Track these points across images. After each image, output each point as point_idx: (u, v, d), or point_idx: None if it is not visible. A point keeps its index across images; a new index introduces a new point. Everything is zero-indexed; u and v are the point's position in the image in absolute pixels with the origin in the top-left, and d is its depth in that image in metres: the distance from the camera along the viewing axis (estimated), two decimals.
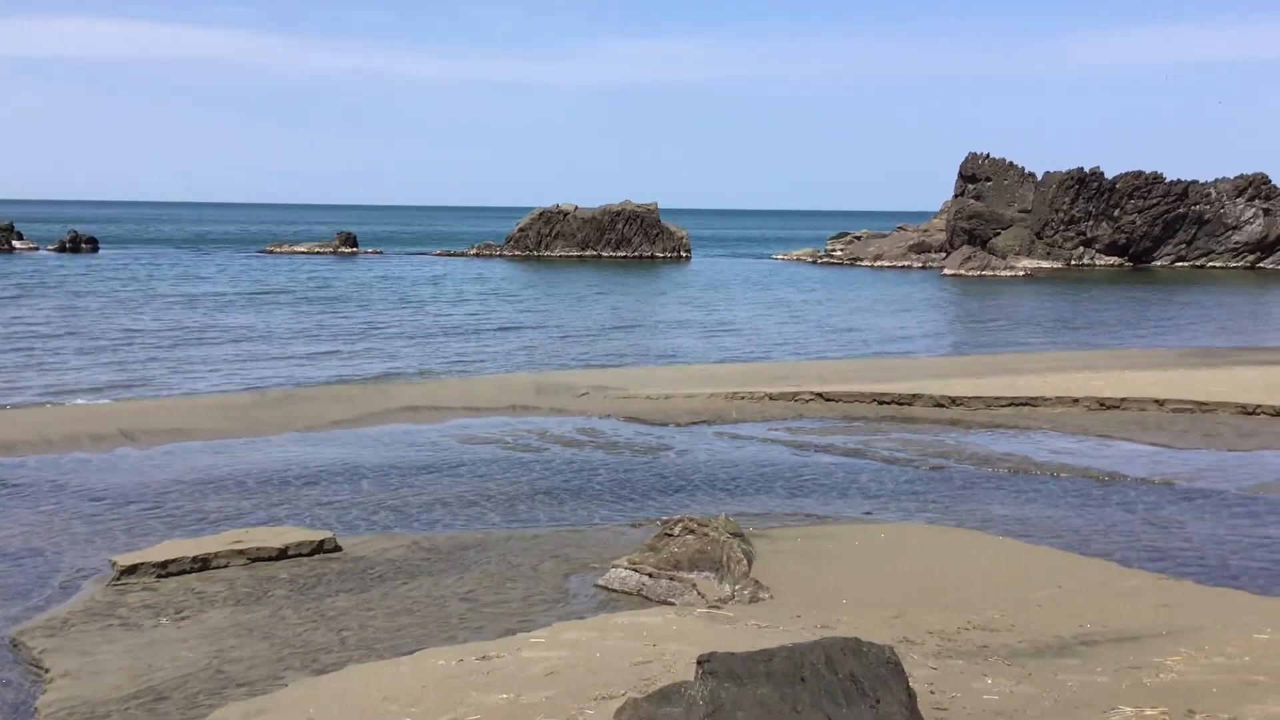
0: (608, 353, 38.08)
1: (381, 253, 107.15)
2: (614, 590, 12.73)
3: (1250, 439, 21.81)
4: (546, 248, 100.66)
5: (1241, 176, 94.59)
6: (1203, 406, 24.57)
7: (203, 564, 13.61)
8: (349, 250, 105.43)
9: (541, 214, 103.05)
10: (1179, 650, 10.03)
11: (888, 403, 25.78)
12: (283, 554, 14.01)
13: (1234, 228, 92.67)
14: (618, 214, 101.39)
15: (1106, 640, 10.38)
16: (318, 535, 14.49)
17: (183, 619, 11.99)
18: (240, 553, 13.85)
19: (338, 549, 14.35)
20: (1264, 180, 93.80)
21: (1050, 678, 9.33)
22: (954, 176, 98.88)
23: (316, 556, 14.10)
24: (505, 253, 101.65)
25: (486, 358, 36.50)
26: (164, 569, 13.41)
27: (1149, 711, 8.55)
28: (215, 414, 24.77)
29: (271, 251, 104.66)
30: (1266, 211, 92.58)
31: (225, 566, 13.66)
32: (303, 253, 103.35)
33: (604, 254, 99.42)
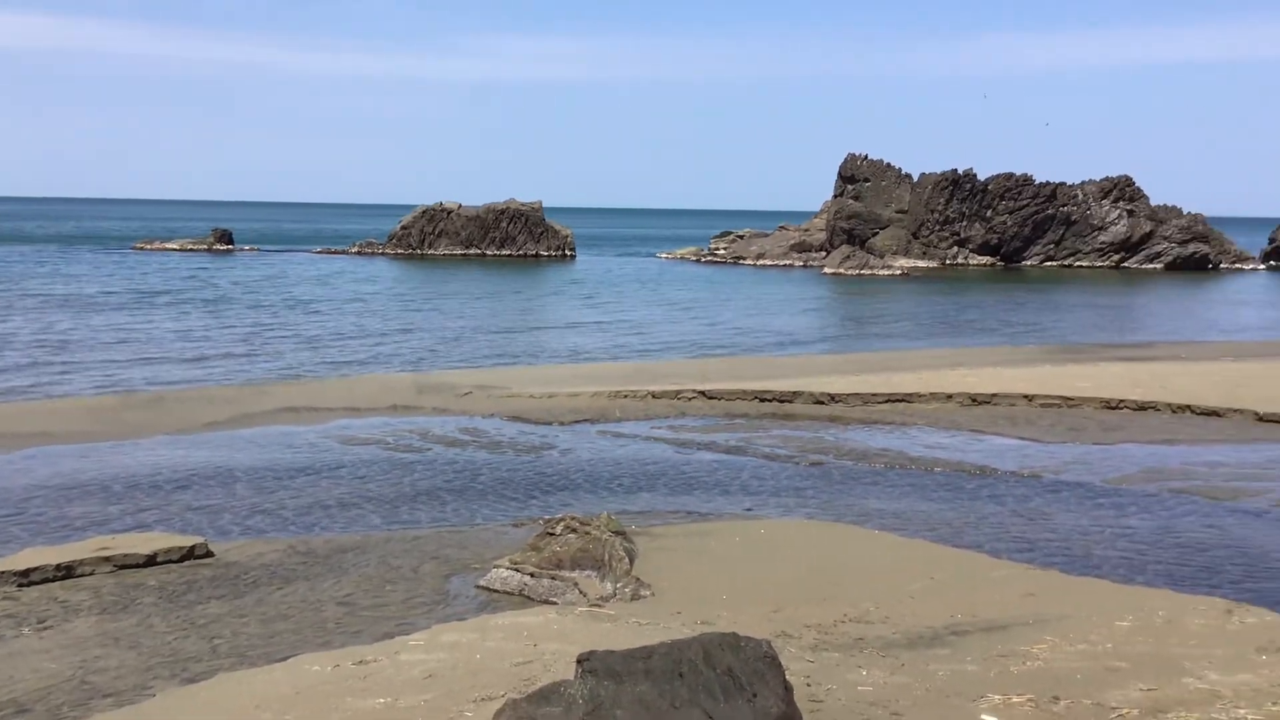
0: (492, 352, 37.84)
1: (259, 250, 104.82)
2: (495, 591, 12.65)
3: (1114, 433, 22.63)
4: (430, 246, 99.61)
5: (1107, 179, 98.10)
6: (1069, 402, 25.42)
7: (67, 572, 13.13)
8: (224, 248, 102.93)
9: (425, 212, 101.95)
10: (1045, 638, 10.35)
11: (769, 400, 26.11)
12: (151, 560, 13.59)
13: (1100, 228, 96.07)
14: (502, 212, 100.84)
15: (976, 630, 10.65)
16: (188, 541, 14.10)
17: (46, 629, 11.55)
18: (106, 560, 13.40)
19: (209, 555, 13.99)
20: (1128, 182, 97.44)
21: (922, 667, 9.54)
22: (834, 177, 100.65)
23: (187, 563, 13.72)
24: (388, 251, 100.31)
25: (370, 358, 35.96)
26: (26, 578, 12.91)
27: (1016, 699, 8.81)
28: (82, 416, 23.94)
29: (142, 249, 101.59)
30: (1130, 213, 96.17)
31: (91, 574, 13.21)
32: (175, 250, 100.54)
33: (488, 253, 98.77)
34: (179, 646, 11.03)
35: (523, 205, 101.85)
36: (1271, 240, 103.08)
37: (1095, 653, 9.93)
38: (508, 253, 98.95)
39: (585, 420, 24.00)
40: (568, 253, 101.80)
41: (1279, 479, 18.61)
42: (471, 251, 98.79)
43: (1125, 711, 8.52)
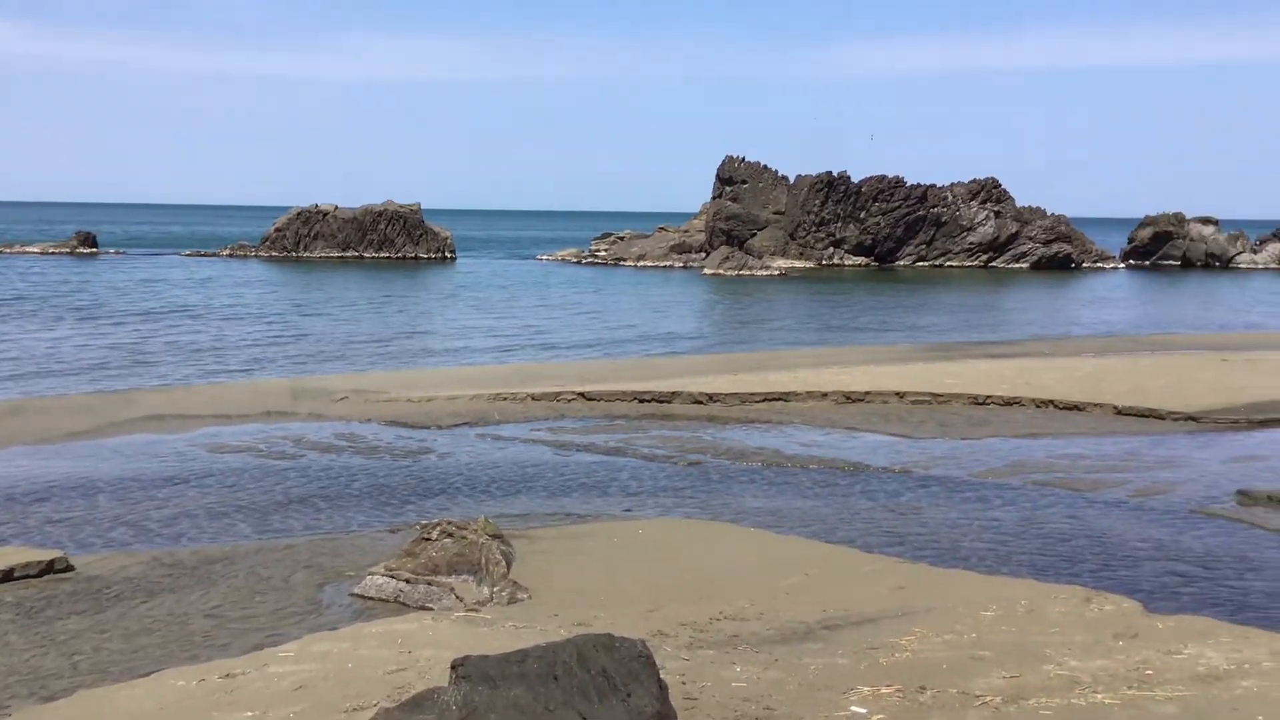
0: (369, 356, 37.28)
1: (124, 254, 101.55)
2: (370, 598, 12.45)
3: (981, 428, 23.29)
4: (305, 249, 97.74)
5: (975, 181, 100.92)
6: (939, 398, 26.08)
7: None
8: (89, 251, 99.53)
9: (300, 214, 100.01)
10: (913, 630, 10.60)
11: (648, 401, 26.25)
12: (7, 576, 13.05)
13: (968, 229, 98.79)
14: (380, 214, 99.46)
15: (848, 623, 10.86)
16: (47, 555, 13.58)
17: None
18: None
19: (70, 569, 13.49)
20: (994, 184, 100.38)
21: (795, 662, 9.69)
22: (712, 179, 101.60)
23: (46, 578, 13.21)
24: (261, 254, 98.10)
25: (242, 363, 35.11)
26: None
27: (884, 690, 9.01)
28: None
29: (2, 253, 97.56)
30: (997, 214, 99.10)
31: None
32: (36, 254, 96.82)
33: (366, 255, 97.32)
34: (37, 664, 10.62)
35: (401, 207, 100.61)
36: (1130, 240, 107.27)
37: (961, 642, 10.20)
38: (386, 255, 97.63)
39: (464, 423, 23.81)
40: (448, 255, 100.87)
41: (1136, 470, 19.37)
42: (349, 254, 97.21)
43: (988, 699, 8.78)
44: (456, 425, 23.62)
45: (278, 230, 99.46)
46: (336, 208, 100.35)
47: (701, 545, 14.22)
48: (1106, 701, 8.68)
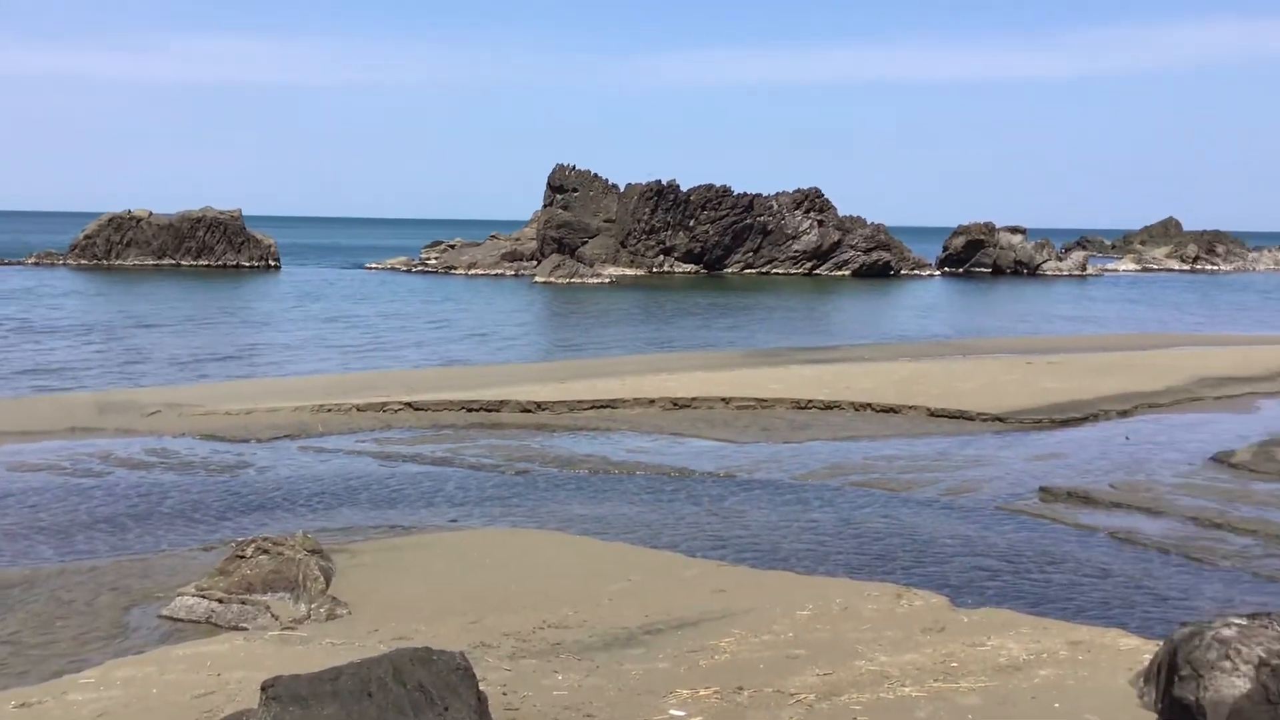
0: (185, 368, 35.90)
1: None
2: (180, 620, 12.00)
3: (802, 431, 23.88)
4: (118, 256, 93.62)
5: (799, 190, 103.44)
6: (763, 403, 26.64)
7: None
8: None
9: (111, 220, 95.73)
10: (733, 631, 10.79)
11: (476, 410, 26.04)
12: None
13: (793, 237, 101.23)
14: (198, 221, 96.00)
15: (669, 628, 10.98)
16: None
17: None
18: None
19: None
20: (817, 194, 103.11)
21: (616, 668, 9.74)
22: (544, 187, 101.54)
23: None
24: (70, 262, 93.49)
25: (48, 376, 33.35)
26: None
27: (703, 691, 9.14)
28: None
29: None
30: (820, 223, 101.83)
31: None
32: None
33: (184, 263, 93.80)
34: None
35: (220, 213, 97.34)
36: (945, 248, 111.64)
37: (778, 642, 10.43)
38: (205, 263, 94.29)
39: (285, 436, 23.16)
40: (271, 263, 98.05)
41: (947, 470, 20.17)
42: (165, 262, 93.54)
43: (802, 696, 8.99)
44: (277, 438, 22.96)
45: (87, 237, 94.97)
46: (151, 214, 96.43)
47: (527, 554, 14.18)
48: (914, 694, 8.99)
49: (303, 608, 11.84)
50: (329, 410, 25.72)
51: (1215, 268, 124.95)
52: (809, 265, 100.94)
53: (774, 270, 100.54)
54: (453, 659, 8.21)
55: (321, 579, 12.34)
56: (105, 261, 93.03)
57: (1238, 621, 8.38)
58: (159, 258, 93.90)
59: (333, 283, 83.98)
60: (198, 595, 12.16)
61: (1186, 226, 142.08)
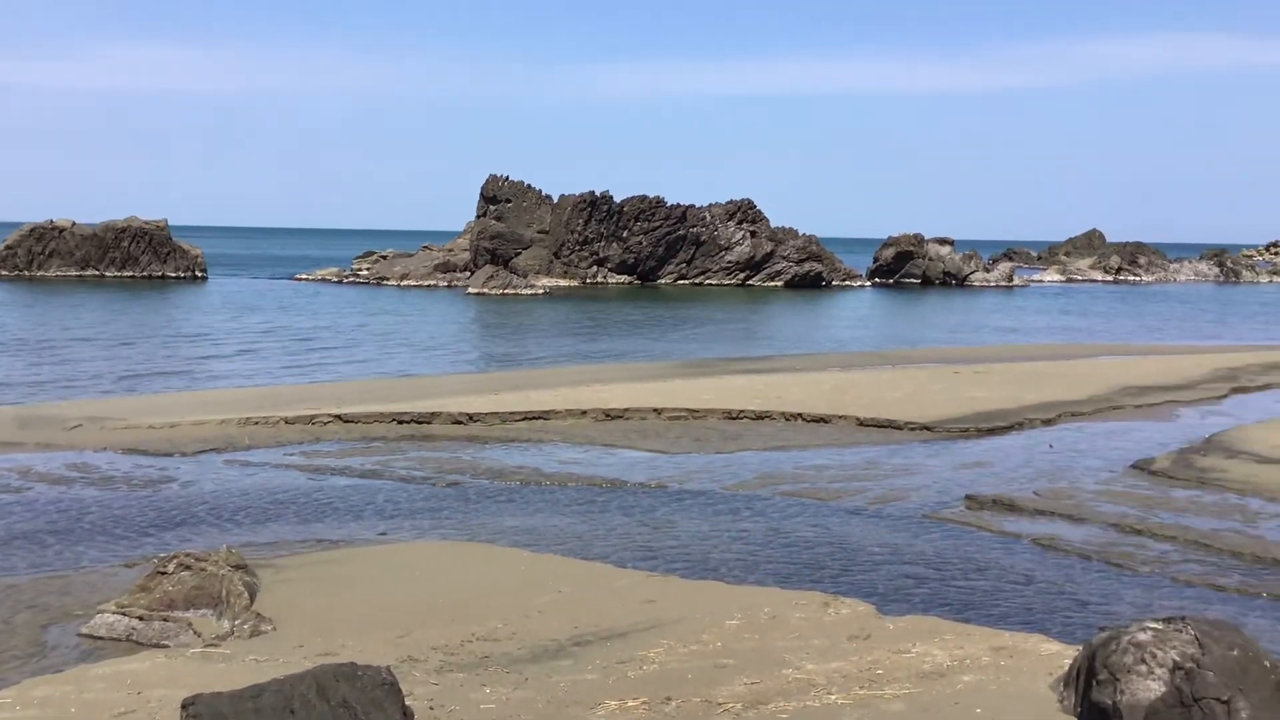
0: (108, 380, 35.21)
1: None
2: (100, 638, 11.76)
3: (733, 441, 24.00)
4: (40, 267, 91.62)
5: (731, 202, 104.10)
6: (695, 414, 26.74)
7: None
8: None
9: (33, 230, 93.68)
10: (661, 642, 10.82)
11: (407, 422, 25.84)
12: None
13: (726, 248, 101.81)
14: (123, 231, 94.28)
15: (598, 639, 10.98)
16: None
17: None
18: None
19: None
20: (750, 205, 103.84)
21: (545, 680, 9.72)
22: (477, 198, 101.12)
23: None
24: None
25: None
26: None
27: (631, 702, 9.15)
28: None
29: None
30: (753, 234, 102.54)
31: None
32: None
33: (108, 274, 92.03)
34: None
35: (146, 223, 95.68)
36: (875, 259, 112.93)
37: (706, 652, 10.47)
38: (130, 274, 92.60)
39: (211, 450, 22.81)
40: (198, 274, 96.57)
41: (875, 479, 20.38)
42: (89, 273, 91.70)
43: (730, 706, 9.04)
44: (202, 452, 22.60)
45: (8, 248, 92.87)
46: (74, 224, 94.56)
47: (457, 567, 14.10)
48: (840, 702, 9.07)
49: (226, 624, 11.67)
50: (256, 423, 25.38)
51: (1137, 278, 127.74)
52: (742, 276, 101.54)
53: (707, 281, 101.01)
54: (378, 674, 8.14)
55: (245, 595, 12.16)
56: (27, 273, 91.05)
57: (1153, 626, 8.57)
58: (82, 268, 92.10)
59: (262, 294, 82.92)
60: (118, 613, 11.93)
61: (1110, 238, 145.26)
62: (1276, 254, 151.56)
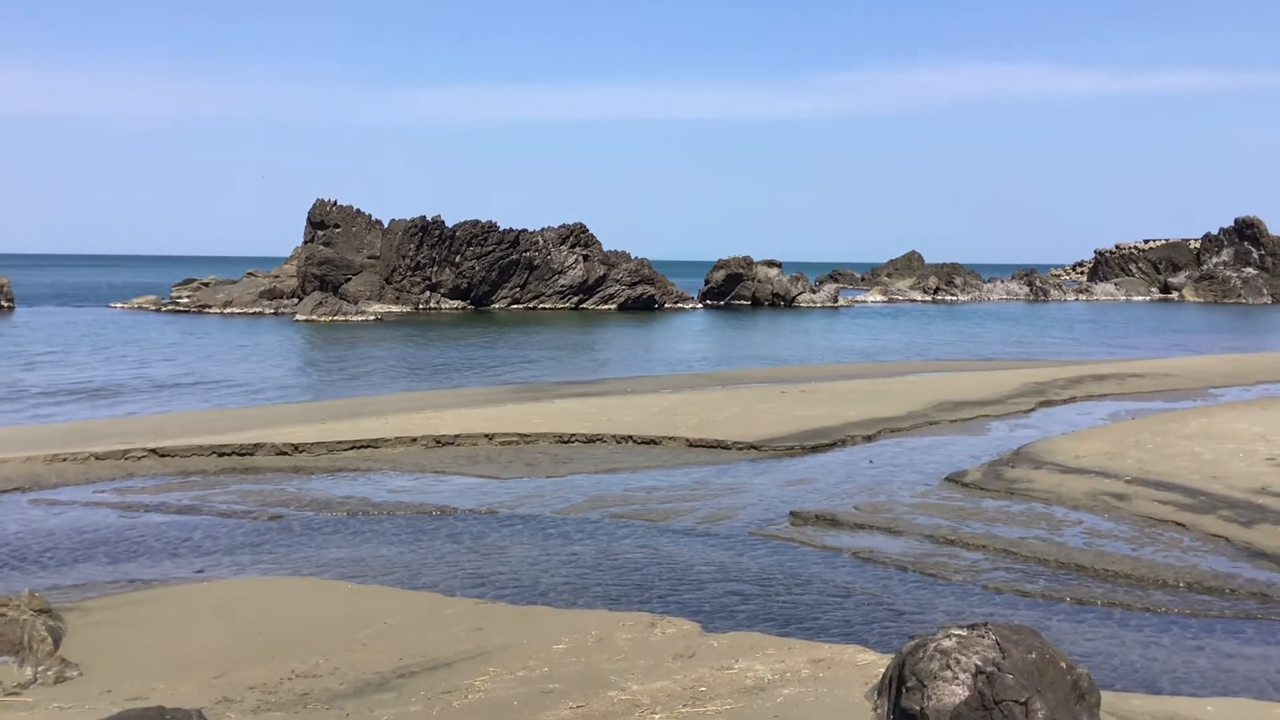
0: None
1: None
2: None
3: (565, 465, 24.05)
4: None
5: (564, 226, 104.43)
6: (526, 438, 26.70)
7: None
8: None
9: None
10: (488, 669, 10.75)
11: (228, 454, 25.06)
12: None
13: (560, 272, 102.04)
14: None
15: (423, 669, 10.85)
16: None
17: None
18: None
19: None
20: (582, 229, 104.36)
21: (367, 714, 9.56)
22: (303, 223, 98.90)
23: None
24: None
25: None
26: None
27: None
28: None
29: None
30: (585, 258, 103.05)
31: None
32: None
33: None
34: None
35: None
36: (706, 282, 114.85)
37: (533, 678, 10.46)
38: None
39: (14, 489, 21.68)
40: (4, 304, 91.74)
41: (704, 498, 20.70)
42: None
43: None
44: (5, 491, 21.46)
45: None
46: None
47: (277, 603, 13.73)
48: None
49: (29, 671, 11.09)
50: (64, 459, 24.23)
51: (954, 298, 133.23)
52: (575, 300, 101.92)
53: (541, 305, 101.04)
54: (187, 717, 7.88)
55: (49, 640, 11.59)
56: None
57: (958, 633, 8.95)
58: None
59: (74, 323, 79.23)
60: None
61: (928, 259, 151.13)
62: (1082, 273, 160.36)
